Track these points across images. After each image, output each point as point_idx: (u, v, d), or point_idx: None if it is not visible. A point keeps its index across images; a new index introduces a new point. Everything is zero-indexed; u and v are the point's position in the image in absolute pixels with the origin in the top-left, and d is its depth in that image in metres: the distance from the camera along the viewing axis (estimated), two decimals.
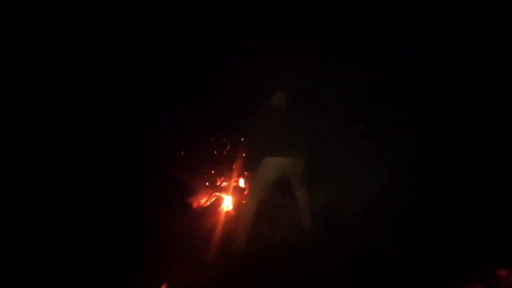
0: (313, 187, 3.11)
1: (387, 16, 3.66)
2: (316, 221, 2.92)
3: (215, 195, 3.63)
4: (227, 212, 3.51)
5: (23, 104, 2.71)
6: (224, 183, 3.72)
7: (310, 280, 2.40)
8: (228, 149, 3.94)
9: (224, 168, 3.82)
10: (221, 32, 3.87)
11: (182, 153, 3.71)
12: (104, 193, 2.99)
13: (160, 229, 2.94)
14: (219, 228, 3.26)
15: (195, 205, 3.56)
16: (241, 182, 3.72)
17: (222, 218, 3.41)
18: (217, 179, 3.74)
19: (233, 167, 3.78)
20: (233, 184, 3.67)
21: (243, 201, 3.50)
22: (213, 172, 3.80)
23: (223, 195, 3.59)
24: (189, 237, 2.98)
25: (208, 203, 3.59)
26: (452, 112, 3.61)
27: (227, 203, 3.59)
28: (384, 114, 3.78)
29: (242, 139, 3.75)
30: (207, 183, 3.70)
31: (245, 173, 3.71)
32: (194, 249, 2.78)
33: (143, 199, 3.17)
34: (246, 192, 3.63)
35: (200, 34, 3.87)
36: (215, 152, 3.94)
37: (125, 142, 3.28)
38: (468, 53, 3.41)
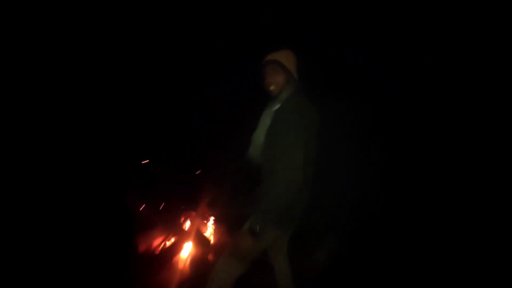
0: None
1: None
2: None
3: (173, 238, 2.74)
4: (184, 267, 2.64)
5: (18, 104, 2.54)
6: (188, 223, 2.84)
7: None
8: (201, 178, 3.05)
9: (192, 202, 2.92)
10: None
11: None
12: None
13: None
14: None
15: (142, 248, 2.62)
16: (208, 230, 2.86)
17: (177, 275, 2.55)
18: (181, 215, 2.83)
19: (205, 204, 2.92)
20: (199, 227, 2.81)
21: (210, 257, 2.69)
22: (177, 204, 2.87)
23: (184, 241, 2.72)
24: None
25: (161, 247, 2.69)
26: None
27: (186, 253, 2.72)
28: None
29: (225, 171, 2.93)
30: (165, 219, 2.77)
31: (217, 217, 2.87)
32: None
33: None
34: (212, 242, 2.81)
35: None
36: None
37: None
38: None
